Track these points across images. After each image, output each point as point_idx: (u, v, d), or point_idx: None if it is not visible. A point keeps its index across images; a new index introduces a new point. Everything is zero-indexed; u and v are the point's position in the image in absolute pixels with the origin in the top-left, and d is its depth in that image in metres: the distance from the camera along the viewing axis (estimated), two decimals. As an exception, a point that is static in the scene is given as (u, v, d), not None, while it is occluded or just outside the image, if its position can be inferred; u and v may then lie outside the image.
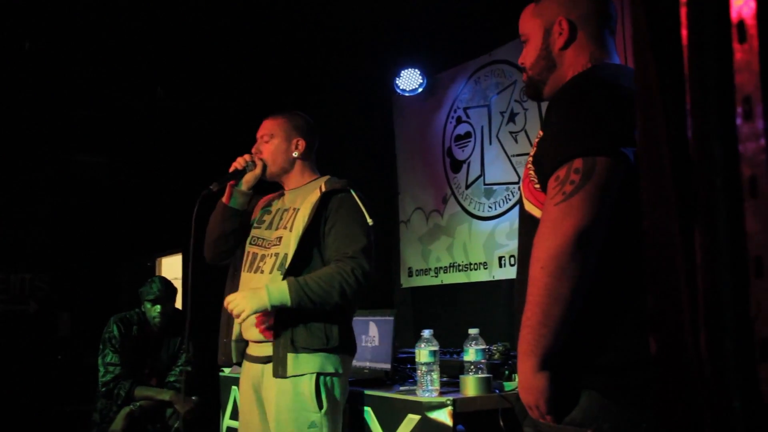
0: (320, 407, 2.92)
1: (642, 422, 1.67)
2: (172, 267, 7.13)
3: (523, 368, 1.75)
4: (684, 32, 0.84)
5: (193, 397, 4.80)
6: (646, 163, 0.90)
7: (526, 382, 1.76)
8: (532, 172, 1.86)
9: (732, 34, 0.81)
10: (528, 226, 1.86)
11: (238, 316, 2.90)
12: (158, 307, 4.87)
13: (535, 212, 1.84)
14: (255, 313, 2.91)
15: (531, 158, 1.89)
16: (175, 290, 5.03)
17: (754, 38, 0.79)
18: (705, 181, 0.82)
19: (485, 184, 5.17)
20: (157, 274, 6.95)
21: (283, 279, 2.93)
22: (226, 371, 4.33)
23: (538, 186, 1.83)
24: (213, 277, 3.42)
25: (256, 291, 2.90)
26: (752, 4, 0.79)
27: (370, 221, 3.03)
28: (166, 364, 4.96)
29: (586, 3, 2.00)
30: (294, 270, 2.96)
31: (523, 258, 1.86)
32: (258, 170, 3.17)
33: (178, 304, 5.11)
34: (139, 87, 6.16)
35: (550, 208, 1.70)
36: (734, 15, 0.81)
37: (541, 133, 1.87)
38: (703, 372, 0.81)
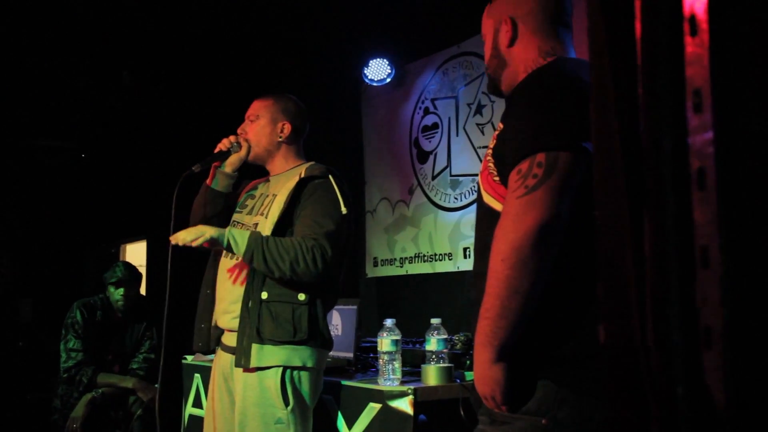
0: (286, 404, 2.84)
1: (596, 412, 1.70)
2: (136, 253, 7.09)
3: (480, 359, 1.77)
4: (638, 25, 0.85)
5: (156, 385, 4.77)
6: (598, 154, 0.91)
7: (482, 373, 1.77)
8: (491, 164, 1.87)
9: (684, 27, 0.82)
10: (486, 218, 1.87)
11: (200, 236, 2.82)
12: (121, 290, 4.83)
13: (494, 204, 1.85)
14: (213, 238, 2.83)
15: (490, 150, 1.89)
16: (139, 276, 5.00)
17: (705, 32, 0.80)
18: (654, 172, 0.83)
19: (451, 176, 5.18)
20: (121, 260, 6.90)
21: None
22: (189, 359, 4.31)
23: (497, 179, 1.84)
24: (182, 264, 3.40)
25: (214, 228, 2.88)
26: (704, -1, 0.80)
27: (344, 210, 2.94)
28: (130, 350, 4.93)
29: (531, 0, 2.03)
30: None
31: (481, 250, 1.87)
32: (243, 152, 3.11)
33: (143, 291, 5.08)
34: (105, 71, 6.09)
35: (512, 201, 1.71)
36: (686, 9, 0.82)
37: (501, 125, 1.88)
38: (649, 360, 0.82)
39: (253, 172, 3.28)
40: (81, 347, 4.68)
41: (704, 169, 0.80)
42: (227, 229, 2.87)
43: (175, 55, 5.93)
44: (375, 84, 5.60)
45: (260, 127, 3.13)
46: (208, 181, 3.14)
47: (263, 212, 3.03)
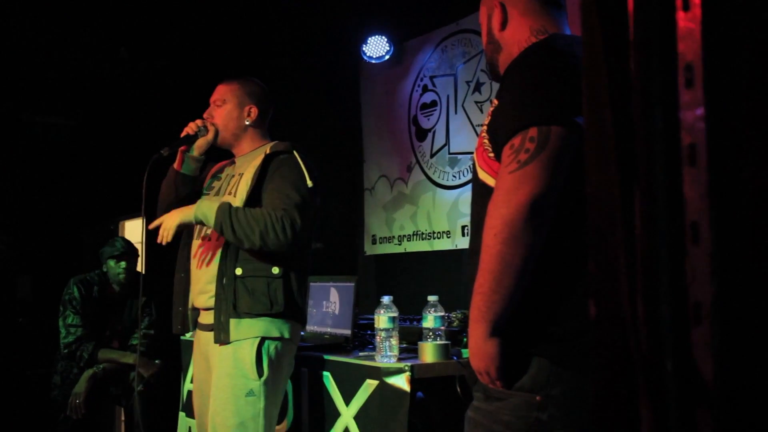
0: (260, 375, 2.87)
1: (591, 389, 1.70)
2: (135, 230, 7.08)
3: (474, 334, 1.77)
4: (630, 0, 0.85)
5: (156, 361, 4.79)
6: (589, 129, 0.91)
7: (476, 348, 1.77)
8: (486, 140, 1.87)
9: (676, 2, 0.81)
10: (481, 194, 1.87)
11: (166, 231, 2.89)
12: (123, 264, 4.85)
13: (489, 180, 1.85)
14: (181, 223, 2.89)
15: (485, 127, 1.89)
16: (137, 251, 5.01)
17: (698, 7, 0.80)
18: (645, 147, 0.83)
19: (450, 153, 5.18)
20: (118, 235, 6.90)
21: (227, 242, 2.92)
22: (188, 335, 4.33)
23: (492, 155, 1.84)
24: (176, 242, 3.40)
25: (186, 208, 2.92)
26: (696, -27, 0.80)
27: (309, 183, 2.96)
28: (128, 326, 4.94)
29: None
30: None
31: (477, 226, 1.87)
32: (210, 136, 3.12)
33: (140, 269, 5.08)
34: (102, 47, 6.06)
35: (505, 176, 1.71)
36: (679, -17, 0.81)
37: (495, 101, 1.88)
38: (638, 335, 0.82)
39: (218, 154, 3.28)
40: (80, 323, 4.70)
41: (695, 145, 0.80)
42: (195, 206, 2.89)
43: (172, 31, 5.90)
44: (373, 61, 5.58)
45: (227, 111, 3.14)
46: (175, 165, 3.15)
47: (231, 191, 3.05)
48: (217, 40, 5.98)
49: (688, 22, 0.80)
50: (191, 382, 4.20)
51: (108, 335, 4.87)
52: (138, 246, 5.18)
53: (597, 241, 0.90)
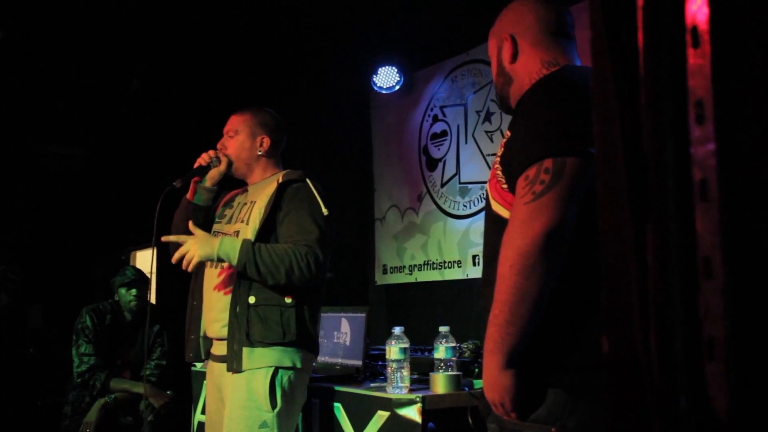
0: (273, 406, 2.87)
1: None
2: (146, 260, 7.09)
3: (489, 366, 1.77)
4: (640, 36, 0.86)
5: (168, 392, 4.79)
6: (601, 164, 0.91)
7: (491, 380, 1.77)
8: (499, 172, 1.88)
9: (686, 38, 0.82)
10: (495, 226, 1.87)
11: (189, 263, 2.88)
12: (134, 291, 4.86)
13: (502, 212, 1.85)
14: (202, 260, 2.88)
15: (498, 158, 1.90)
16: (148, 279, 5.02)
17: (707, 43, 0.80)
18: (657, 183, 0.83)
19: (460, 183, 5.18)
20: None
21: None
22: (198, 366, 4.32)
23: (505, 186, 1.85)
24: (187, 272, 3.41)
25: (210, 238, 2.89)
26: (706, 10, 0.80)
27: (325, 211, 2.97)
28: (140, 356, 4.94)
29: (528, 16, 2.07)
30: None
31: (490, 258, 1.87)
32: (222, 166, 3.13)
33: (153, 299, 5.10)
34: (115, 78, 6.11)
35: (520, 208, 1.71)
36: (689, 20, 0.82)
37: (508, 133, 1.89)
38: (651, 371, 0.82)
39: (231, 184, 3.30)
40: (93, 351, 4.70)
41: (706, 180, 0.80)
42: (217, 244, 2.87)
43: (184, 63, 5.95)
44: (384, 91, 5.61)
45: (239, 142, 3.16)
46: (188, 195, 3.17)
47: (243, 219, 3.06)
48: (229, 70, 6.03)
49: (698, 58, 0.81)
50: (202, 413, 4.19)
51: (119, 364, 4.87)
52: (149, 275, 5.19)
53: (609, 277, 0.90)
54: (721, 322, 0.79)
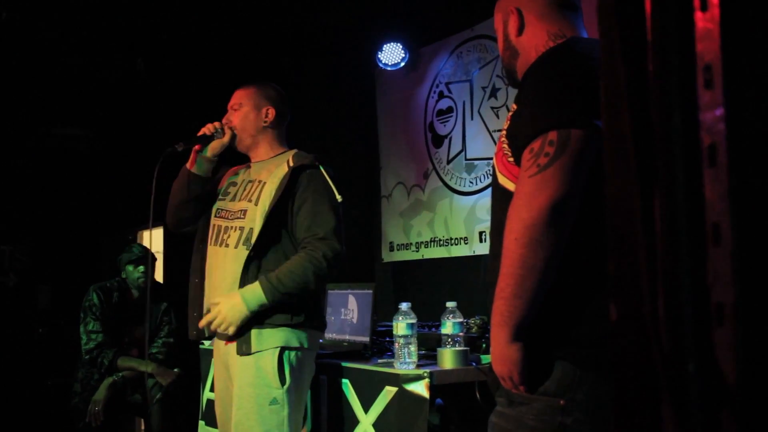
0: (282, 383, 2.88)
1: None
2: (153, 240, 7.10)
3: (497, 339, 1.77)
4: (647, 1, 0.85)
5: (176, 369, 4.81)
6: (608, 131, 0.91)
7: (499, 353, 1.77)
8: (505, 145, 1.87)
9: (694, 2, 0.81)
10: (501, 199, 1.87)
11: (226, 330, 2.91)
12: (141, 268, 4.86)
13: (509, 185, 1.84)
14: (241, 323, 2.89)
15: (504, 132, 1.89)
16: (154, 257, 5.03)
17: (716, 7, 0.80)
18: (665, 148, 0.82)
19: (466, 159, 5.17)
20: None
21: (250, 255, 2.92)
22: (206, 344, 4.34)
23: (511, 159, 1.84)
24: (190, 249, 3.41)
25: (234, 304, 2.88)
26: (714, -27, 0.80)
27: (339, 198, 3.00)
28: (148, 334, 4.96)
29: None
30: (260, 248, 2.93)
31: (497, 231, 1.87)
32: (226, 138, 3.12)
33: (158, 277, 5.10)
34: (119, 59, 6.10)
35: (525, 180, 1.71)
36: (697, -16, 0.81)
37: (514, 106, 1.88)
38: (660, 337, 0.82)
39: (232, 159, 3.29)
40: (100, 329, 4.72)
41: (715, 145, 0.80)
42: (240, 302, 2.87)
43: (188, 42, 5.93)
44: (389, 68, 5.59)
45: (244, 113, 3.16)
46: (188, 164, 3.16)
47: (250, 198, 3.04)
48: (233, 49, 6.00)
49: (706, 22, 0.80)
50: (210, 390, 4.21)
51: (127, 342, 4.88)
52: (157, 255, 5.21)
53: (617, 243, 0.90)
54: (730, 287, 0.79)
